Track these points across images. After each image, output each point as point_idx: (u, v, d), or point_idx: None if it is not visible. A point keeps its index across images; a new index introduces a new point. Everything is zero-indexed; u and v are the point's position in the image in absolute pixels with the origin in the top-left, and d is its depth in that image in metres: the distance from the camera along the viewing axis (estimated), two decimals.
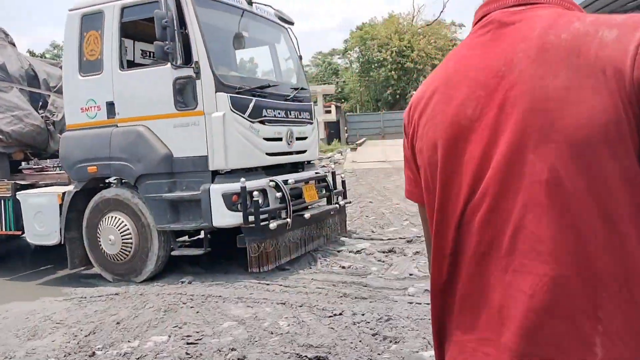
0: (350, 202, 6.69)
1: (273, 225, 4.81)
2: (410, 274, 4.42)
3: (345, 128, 37.52)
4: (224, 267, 5.19)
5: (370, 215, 7.39)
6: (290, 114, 5.74)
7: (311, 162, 6.38)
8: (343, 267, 4.88)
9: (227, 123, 4.93)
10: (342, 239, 5.90)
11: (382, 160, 16.58)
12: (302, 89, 6.21)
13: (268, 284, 4.45)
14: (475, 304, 0.76)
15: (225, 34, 5.68)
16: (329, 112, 34.40)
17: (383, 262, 4.89)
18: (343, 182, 6.42)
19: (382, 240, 5.76)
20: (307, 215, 5.30)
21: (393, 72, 41.88)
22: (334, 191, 6.06)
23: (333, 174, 6.47)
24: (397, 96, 43.96)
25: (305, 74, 6.65)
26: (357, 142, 22.94)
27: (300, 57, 6.56)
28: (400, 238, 5.69)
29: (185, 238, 6.07)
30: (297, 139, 5.84)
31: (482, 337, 0.75)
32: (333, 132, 36.02)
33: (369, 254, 5.21)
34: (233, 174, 5.00)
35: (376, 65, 42.89)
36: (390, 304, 3.68)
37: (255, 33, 6.09)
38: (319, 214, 5.63)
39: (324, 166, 7.36)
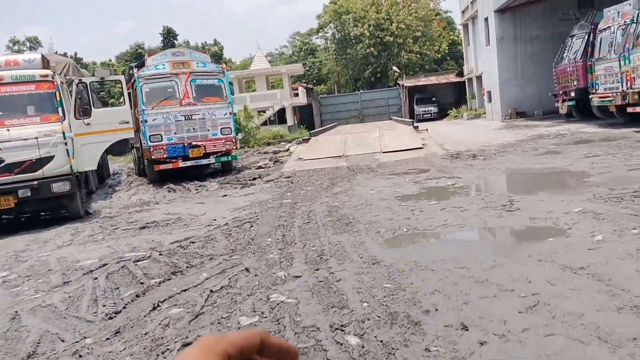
0: None
1: None
2: None
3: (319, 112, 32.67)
4: None
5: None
6: None
7: None
8: None
9: None
10: None
11: (338, 156, 11.84)
12: None
13: None
14: None
15: None
16: (297, 95, 29.50)
17: None
18: None
19: None
20: None
21: (372, 48, 36.74)
22: None
23: None
24: (378, 74, 38.89)
25: None
26: (310, 132, 17.98)
27: None
28: None
29: None
30: None
31: None
32: (306, 117, 31.17)
33: None
34: None
35: (353, 41, 37.74)
36: None
37: None
38: None
39: None
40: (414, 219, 5.18)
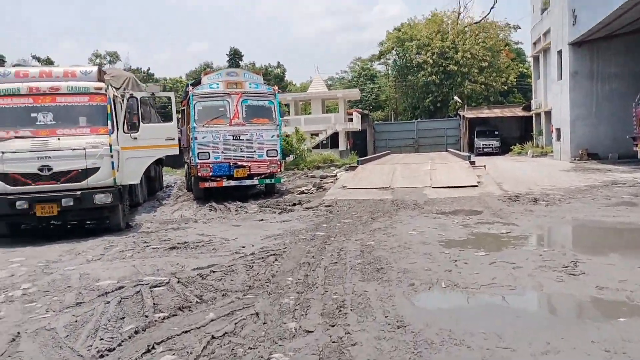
0: None
1: None
2: None
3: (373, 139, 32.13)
4: None
5: None
6: None
7: None
8: None
9: None
10: None
11: (384, 187, 11.27)
12: None
13: None
14: None
15: None
16: (351, 120, 29.26)
17: None
18: None
19: None
20: None
21: (434, 76, 35.90)
22: None
23: None
24: (438, 103, 37.81)
25: None
26: (358, 160, 17.44)
27: None
28: None
29: None
30: None
31: None
32: (359, 142, 30.78)
33: None
34: None
35: (415, 68, 37.13)
36: None
37: None
38: None
39: None
40: (455, 272, 4.56)
